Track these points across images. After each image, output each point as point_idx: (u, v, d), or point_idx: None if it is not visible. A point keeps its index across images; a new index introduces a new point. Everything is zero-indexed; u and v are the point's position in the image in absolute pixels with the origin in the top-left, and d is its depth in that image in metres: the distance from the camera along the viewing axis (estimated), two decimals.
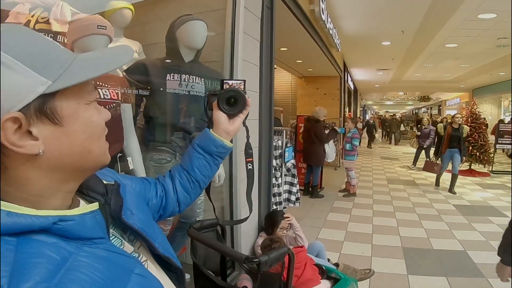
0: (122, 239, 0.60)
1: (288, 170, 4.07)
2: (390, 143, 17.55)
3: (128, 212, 0.62)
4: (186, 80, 1.92)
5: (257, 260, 1.35)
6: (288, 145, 4.12)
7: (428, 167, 7.02)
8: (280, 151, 3.85)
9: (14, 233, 0.43)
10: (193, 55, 2.01)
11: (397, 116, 20.89)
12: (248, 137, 0.99)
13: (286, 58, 7.66)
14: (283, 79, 10.63)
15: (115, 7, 2.07)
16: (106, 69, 0.51)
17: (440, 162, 6.72)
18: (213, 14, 2.44)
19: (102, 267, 0.47)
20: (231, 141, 0.96)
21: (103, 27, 1.54)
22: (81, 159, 0.51)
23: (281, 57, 7.38)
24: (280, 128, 4.10)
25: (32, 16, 1.63)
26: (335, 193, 6.19)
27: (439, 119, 17.94)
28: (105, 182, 0.63)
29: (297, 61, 8.19)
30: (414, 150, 9.94)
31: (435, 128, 8.57)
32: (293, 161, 4.20)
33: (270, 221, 2.70)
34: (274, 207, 3.44)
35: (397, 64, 10.91)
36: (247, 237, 2.64)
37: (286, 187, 4.03)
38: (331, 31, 6.13)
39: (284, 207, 3.86)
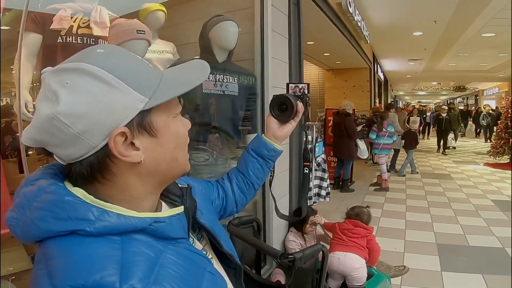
0: (193, 238, 0.65)
1: (319, 165, 4.07)
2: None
3: (199, 212, 0.68)
4: (221, 80, 1.98)
5: (292, 256, 1.40)
6: (319, 140, 4.11)
7: None
8: (310, 146, 3.85)
9: (118, 232, 0.49)
10: (226, 55, 2.05)
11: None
12: (306, 142, 1.00)
13: (313, 51, 7.59)
14: (310, 72, 10.53)
15: (149, 9, 2.15)
16: (190, 86, 0.56)
17: None
18: (241, 13, 2.48)
19: (185, 264, 0.53)
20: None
21: (142, 32, 1.61)
22: (170, 166, 0.57)
23: (308, 51, 7.32)
24: (310, 123, 4.10)
25: (74, 21, 1.74)
26: (366, 187, 6.11)
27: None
28: (180, 185, 0.69)
29: (325, 54, 8.10)
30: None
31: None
32: (323, 156, 4.20)
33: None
34: None
35: (430, 54, 10.50)
36: (278, 232, 2.69)
37: (317, 182, 4.03)
38: (359, 23, 6.02)
39: (315, 202, 3.88)
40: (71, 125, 0.47)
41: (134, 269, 0.46)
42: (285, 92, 1.01)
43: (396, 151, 7.50)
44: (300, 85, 1.03)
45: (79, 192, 0.50)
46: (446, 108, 11.37)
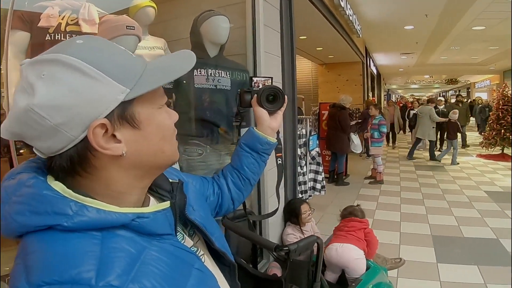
0: (184, 234, 0.64)
1: (313, 158, 4.08)
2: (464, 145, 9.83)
3: (190, 208, 0.66)
4: (213, 75, 1.96)
5: (287, 248, 1.40)
6: (312, 133, 4.12)
7: None
8: (304, 139, 3.86)
9: (98, 228, 0.48)
10: (218, 49, 2.04)
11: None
12: (278, 132, 1.01)
13: (306, 46, 7.60)
14: (303, 67, 10.56)
15: (139, 6, 2.13)
16: (174, 76, 0.55)
17: None
18: (233, 8, 2.46)
19: (170, 261, 0.51)
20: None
21: (131, 28, 1.59)
22: (156, 157, 0.56)
23: (301, 46, 7.33)
24: (303, 116, 4.10)
25: (62, 19, 1.71)
26: (360, 181, 6.14)
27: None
28: (170, 180, 0.67)
29: (317, 48, 8.13)
30: None
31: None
32: (317, 149, 4.21)
33: (291, 211, 2.71)
34: (300, 195, 3.47)
35: (422, 48, 10.58)
36: (274, 227, 2.69)
37: (311, 175, 4.04)
38: (351, 17, 6.04)
39: (310, 196, 3.89)
40: (47, 117, 0.46)
41: (113, 266, 0.45)
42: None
43: (432, 142, 8.02)
44: (259, 79, 1.06)
45: (58, 186, 0.49)
46: (443, 100, 10.86)
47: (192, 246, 0.64)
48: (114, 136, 0.50)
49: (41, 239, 0.46)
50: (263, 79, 1.03)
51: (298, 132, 3.49)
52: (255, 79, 1.02)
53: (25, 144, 0.53)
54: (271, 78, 1.04)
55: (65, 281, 0.42)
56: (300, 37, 6.33)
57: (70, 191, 0.49)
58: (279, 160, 1.05)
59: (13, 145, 1.28)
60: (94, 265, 0.44)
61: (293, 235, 2.64)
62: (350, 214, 2.61)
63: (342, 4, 5.20)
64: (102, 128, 0.49)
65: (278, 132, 1.01)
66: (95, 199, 0.50)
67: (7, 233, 0.49)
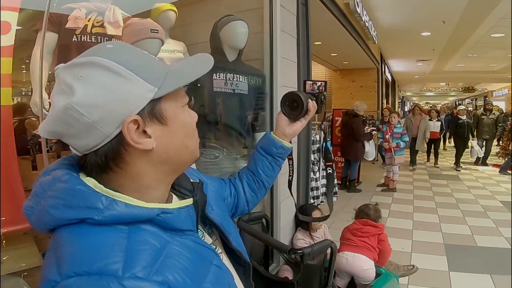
0: (203, 231, 0.67)
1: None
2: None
3: (209, 207, 0.69)
4: (231, 79, 2.01)
5: (301, 251, 1.41)
6: (327, 139, 4.11)
7: None
8: (318, 145, 3.86)
9: (125, 222, 0.51)
10: (236, 54, 2.09)
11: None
12: (326, 139, 0.99)
13: (320, 51, 7.59)
14: (317, 73, 10.49)
15: (160, 9, 2.19)
16: (195, 77, 0.59)
17: None
18: (251, 13, 2.51)
19: (191, 256, 0.54)
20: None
21: (155, 31, 1.64)
22: (181, 153, 0.60)
23: (315, 51, 7.31)
24: (317, 122, 4.10)
25: (89, 20, 1.78)
26: (373, 188, 6.09)
27: None
28: (191, 180, 0.70)
29: (332, 54, 8.10)
30: None
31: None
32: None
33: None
34: (312, 201, 3.47)
35: (438, 55, 10.40)
36: (286, 231, 2.71)
37: (324, 181, 4.03)
38: (367, 23, 6.00)
39: (322, 201, 3.88)
40: (86, 114, 0.50)
41: (138, 258, 0.47)
42: (298, 90, 1.00)
43: None
44: (318, 83, 1.01)
45: (90, 181, 0.53)
46: (464, 109, 8.78)
47: (211, 244, 0.66)
48: (144, 132, 0.54)
49: (72, 232, 0.50)
50: (318, 82, 1.01)
51: (312, 138, 3.50)
52: (308, 82, 1.00)
53: (57, 142, 0.57)
54: (325, 82, 1.00)
55: (94, 272, 0.45)
56: (315, 43, 6.34)
57: (102, 186, 0.52)
58: (329, 169, 1.04)
59: (44, 143, 1.34)
60: (121, 257, 0.46)
61: (303, 240, 2.65)
62: (365, 214, 2.56)
63: (358, 10, 5.19)
64: (135, 124, 0.53)
65: (326, 140, 0.99)
66: (123, 193, 0.53)
67: (41, 227, 0.53)
